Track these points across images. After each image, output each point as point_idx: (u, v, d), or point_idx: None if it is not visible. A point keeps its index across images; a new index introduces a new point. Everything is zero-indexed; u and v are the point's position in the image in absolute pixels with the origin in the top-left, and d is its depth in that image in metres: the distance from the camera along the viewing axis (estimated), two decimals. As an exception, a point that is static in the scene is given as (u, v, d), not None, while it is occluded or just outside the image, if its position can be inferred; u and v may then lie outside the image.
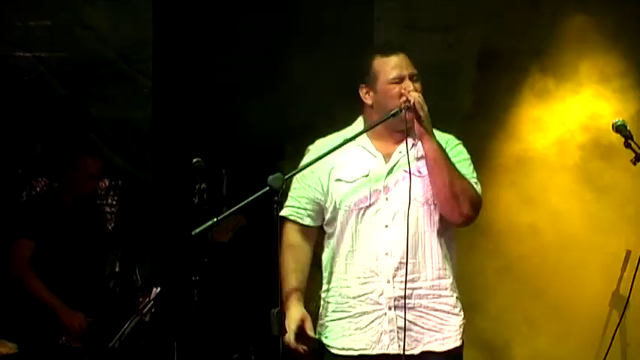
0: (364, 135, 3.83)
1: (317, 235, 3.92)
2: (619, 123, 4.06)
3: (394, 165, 3.78)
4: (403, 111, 3.72)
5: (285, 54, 6.11)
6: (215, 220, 3.50)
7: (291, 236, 3.87)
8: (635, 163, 3.94)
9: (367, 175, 3.77)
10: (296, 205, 3.89)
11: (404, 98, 3.73)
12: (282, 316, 3.43)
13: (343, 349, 3.77)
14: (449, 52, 6.05)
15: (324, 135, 3.91)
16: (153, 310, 5.46)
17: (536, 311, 5.97)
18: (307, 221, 3.88)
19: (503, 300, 5.79)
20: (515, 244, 5.73)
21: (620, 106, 5.64)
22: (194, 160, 5.33)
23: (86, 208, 5.57)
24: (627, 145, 3.99)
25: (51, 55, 6.02)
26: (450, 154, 3.79)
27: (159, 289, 5.46)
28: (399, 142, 3.81)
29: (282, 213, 3.86)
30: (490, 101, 6.05)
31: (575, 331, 5.81)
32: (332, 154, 3.77)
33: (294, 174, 3.62)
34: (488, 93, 6.06)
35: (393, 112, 3.76)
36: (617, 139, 4.03)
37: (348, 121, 3.94)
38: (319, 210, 3.87)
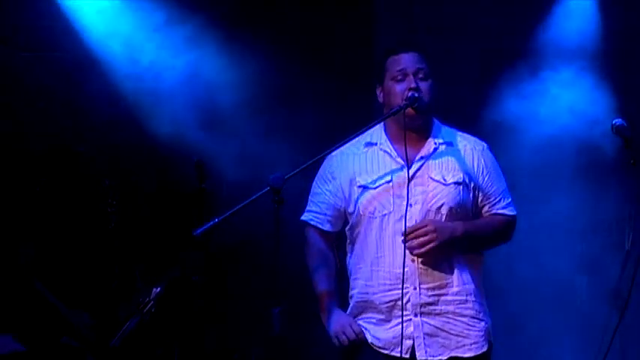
0: (386, 139, 3.83)
1: (335, 240, 3.94)
2: (619, 123, 4.02)
3: (416, 171, 3.78)
4: (403, 109, 3.73)
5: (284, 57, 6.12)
6: (216, 220, 3.50)
7: (317, 241, 3.90)
8: (635, 164, 3.92)
9: (390, 181, 3.76)
10: (316, 211, 3.89)
11: (406, 94, 3.74)
12: (283, 316, 3.43)
13: (373, 344, 3.77)
14: (450, 53, 6.04)
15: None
16: (153, 310, 5.45)
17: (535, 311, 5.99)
18: (327, 227, 3.89)
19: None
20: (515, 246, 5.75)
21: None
22: (194, 160, 5.35)
23: (87, 208, 5.57)
24: (627, 146, 3.97)
25: (51, 55, 6.00)
26: (485, 168, 3.83)
27: (159, 289, 5.45)
28: (418, 143, 3.81)
29: (304, 217, 3.90)
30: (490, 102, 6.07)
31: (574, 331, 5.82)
32: (355, 159, 3.81)
33: (295, 174, 3.62)
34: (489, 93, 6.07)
35: (392, 110, 3.76)
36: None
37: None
38: (339, 216, 3.88)
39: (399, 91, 3.78)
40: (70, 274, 5.42)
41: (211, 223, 3.51)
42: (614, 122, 4.04)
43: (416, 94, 3.74)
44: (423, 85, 3.78)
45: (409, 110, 3.74)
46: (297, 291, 4.36)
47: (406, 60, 3.81)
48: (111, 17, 6.00)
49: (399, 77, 3.79)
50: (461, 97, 6.02)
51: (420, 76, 3.79)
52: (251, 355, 5.86)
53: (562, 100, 6.02)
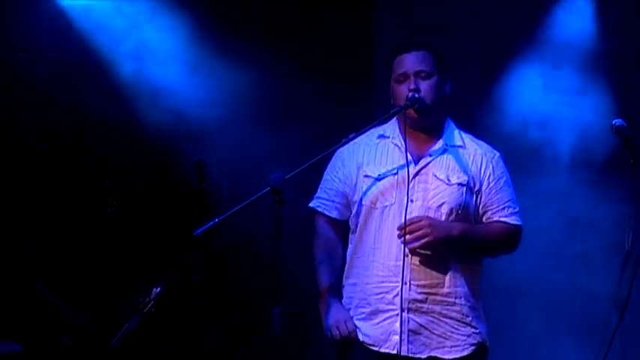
0: (398, 133, 3.84)
1: (344, 229, 3.94)
2: (619, 123, 4.01)
3: (422, 168, 3.78)
4: (402, 110, 3.74)
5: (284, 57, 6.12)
6: (216, 220, 3.50)
7: (323, 229, 3.91)
8: (635, 164, 3.91)
9: (396, 175, 3.77)
10: (325, 197, 3.91)
11: (409, 95, 3.75)
12: (283, 316, 3.43)
13: (364, 342, 3.78)
14: (449, 53, 6.04)
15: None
16: (153, 310, 5.45)
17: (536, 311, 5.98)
18: (335, 214, 3.90)
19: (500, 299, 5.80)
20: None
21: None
22: (195, 160, 5.35)
23: (87, 208, 5.57)
24: (627, 146, 3.95)
25: (51, 55, 6.00)
26: (492, 174, 3.83)
27: (159, 289, 5.45)
28: (428, 142, 3.81)
29: (311, 204, 3.93)
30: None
31: (574, 331, 5.82)
32: (366, 149, 3.83)
33: (295, 174, 3.62)
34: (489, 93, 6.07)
35: (393, 110, 3.78)
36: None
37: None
38: (347, 204, 3.89)
39: (402, 92, 3.80)
40: (70, 273, 5.42)
41: (211, 223, 3.51)
42: (614, 122, 4.03)
43: (416, 95, 3.75)
44: (424, 85, 3.79)
45: (410, 113, 3.75)
46: (297, 291, 4.36)
47: (407, 61, 3.83)
48: (112, 18, 6.01)
49: (401, 79, 3.81)
50: (461, 97, 6.02)
51: (422, 75, 3.80)
52: (251, 355, 5.86)
53: (562, 99, 6.02)
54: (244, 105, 6.11)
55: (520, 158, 5.80)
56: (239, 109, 6.11)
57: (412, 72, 3.80)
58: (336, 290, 3.86)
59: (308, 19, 6.27)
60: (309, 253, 3.94)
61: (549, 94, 6.04)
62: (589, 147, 5.89)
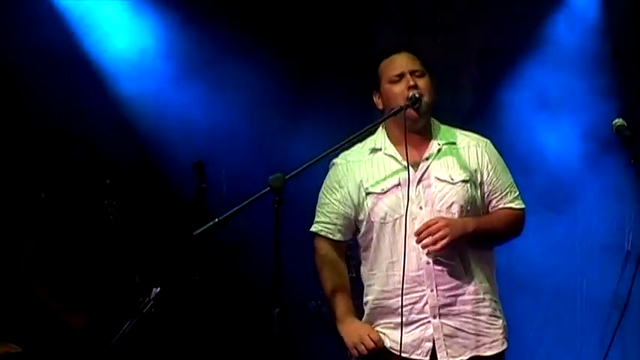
0: (390, 143, 3.81)
1: (346, 249, 3.93)
2: (619, 123, 4.00)
3: (423, 172, 3.76)
4: (403, 109, 3.72)
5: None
6: (216, 220, 3.50)
7: (327, 252, 3.87)
8: (635, 164, 3.91)
9: (399, 185, 3.74)
10: (326, 221, 3.87)
11: (409, 94, 3.72)
12: (283, 317, 3.43)
13: (392, 348, 3.75)
14: (449, 52, 6.05)
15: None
16: (153, 310, 5.45)
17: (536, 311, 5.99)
18: (338, 236, 3.87)
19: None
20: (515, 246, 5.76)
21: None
22: (195, 160, 5.36)
23: (87, 208, 5.57)
24: (627, 146, 3.95)
25: (52, 58, 6.00)
26: (489, 163, 3.82)
27: (159, 289, 5.45)
28: (421, 145, 3.80)
29: (313, 229, 3.88)
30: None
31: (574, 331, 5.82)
32: (361, 166, 3.80)
33: (295, 174, 3.59)
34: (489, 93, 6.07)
35: (393, 110, 3.75)
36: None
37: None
38: (349, 225, 3.85)
39: (399, 91, 3.76)
40: (70, 274, 5.41)
41: (211, 223, 3.50)
42: (614, 122, 4.02)
43: (417, 95, 3.73)
44: (421, 83, 3.77)
45: (410, 113, 3.72)
46: (297, 291, 4.36)
47: (400, 60, 3.80)
48: (112, 19, 6.02)
49: (396, 79, 3.78)
50: (460, 97, 6.03)
51: (417, 74, 3.78)
52: (251, 356, 5.86)
53: (562, 99, 6.02)
54: (244, 105, 6.11)
55: (519, 157, 5.80)
56: (239, 109, 6.11)
57: (407, 70, 3.77)
58: (349, 305, 3.84)
59: (308, 21, 6.27)
60: (309, 253, 3.94)
61: (551, 93, 6.04)
62: (589, 146, 5.89)
